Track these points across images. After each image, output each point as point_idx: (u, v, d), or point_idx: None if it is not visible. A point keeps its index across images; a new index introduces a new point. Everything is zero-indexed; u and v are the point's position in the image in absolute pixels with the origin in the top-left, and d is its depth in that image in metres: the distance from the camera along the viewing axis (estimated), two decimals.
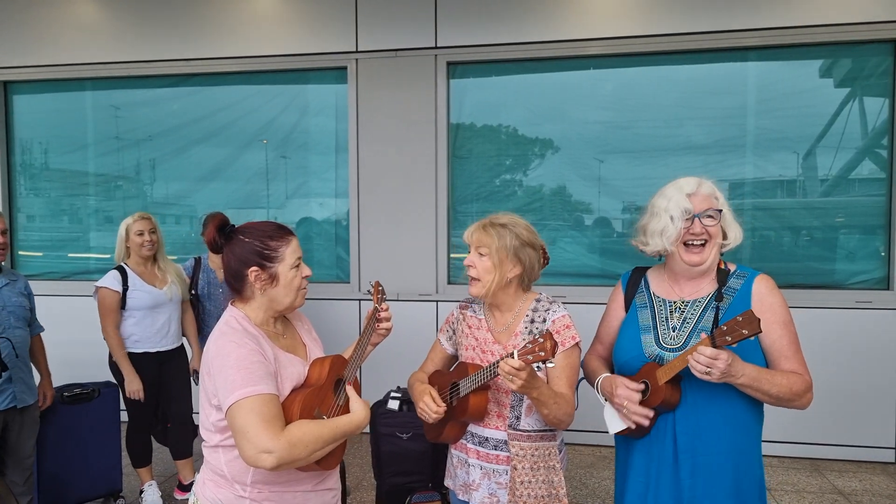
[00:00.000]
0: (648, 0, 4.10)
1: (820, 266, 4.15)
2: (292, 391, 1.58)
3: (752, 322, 1.45)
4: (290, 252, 1.61)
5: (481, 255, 1.85)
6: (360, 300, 4.53)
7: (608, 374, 1.82)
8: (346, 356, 1.79)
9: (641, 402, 1.69)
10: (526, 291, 1.93)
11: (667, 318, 1.77)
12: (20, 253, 5.06)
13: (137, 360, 3.28)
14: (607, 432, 1.81)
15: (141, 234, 3.31)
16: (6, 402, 2.74)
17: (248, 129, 4.76)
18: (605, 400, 1.82)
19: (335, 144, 4.66)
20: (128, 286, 3.26)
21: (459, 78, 4.45)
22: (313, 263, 4.73)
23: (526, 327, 1.86)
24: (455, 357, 2.06)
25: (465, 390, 1.81)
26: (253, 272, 1.58)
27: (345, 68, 4.49)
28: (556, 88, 4.37)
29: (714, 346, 1.51)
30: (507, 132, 4.48)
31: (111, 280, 3.25)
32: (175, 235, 4.96)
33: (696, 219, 1.68)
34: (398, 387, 2.97)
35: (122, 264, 3.33)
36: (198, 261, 3.91)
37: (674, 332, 1.74)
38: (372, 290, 1.99)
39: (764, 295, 1.69)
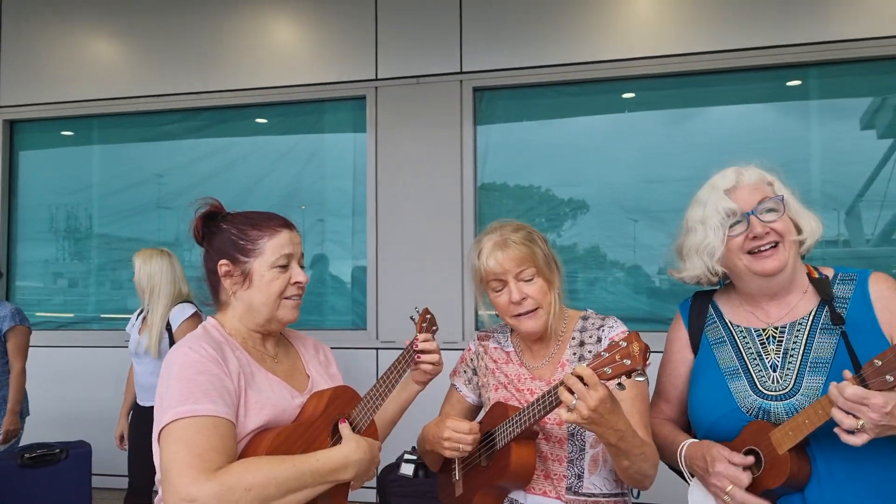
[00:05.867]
0: (679, 22, 3.74)
1: None
2: (266, 429, 1.15)
3: None
4: (271, 246, 1.30)
5: (527, 280, 1.38)
6: (377, 349, 4.06)
7: (694, 441, 1.31)
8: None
9: (755, 483, 1.17)
10: (565, 308, 1.48)
11: (759, 355, 1.29)
12: (18, 297, 4.74)
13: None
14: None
15: None
16: None
17: (262, 162, 4.44)
18: (693, 476, 1.30)
19: (353, 178, 4.31)
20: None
21: (486, 104, 4.10)
22: (326, 308, 4.31)
23: (575, 353, 1.39)
24: (479, 407, 1.56)
25: (504, 439, 1.30)
26: (222, 266, 1.29)
27: (363, 97, 4.19)
28: (593, 112, 3.99)
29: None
30: (539, 161, 4.07)
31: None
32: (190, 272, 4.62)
33: (752, 216, 1.23)
34: (413, 447, 2.46)
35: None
36: None
37: (775, 371, 1.26)
38: (417, 317, 1.52)
39: (888, 299, 1.22)
